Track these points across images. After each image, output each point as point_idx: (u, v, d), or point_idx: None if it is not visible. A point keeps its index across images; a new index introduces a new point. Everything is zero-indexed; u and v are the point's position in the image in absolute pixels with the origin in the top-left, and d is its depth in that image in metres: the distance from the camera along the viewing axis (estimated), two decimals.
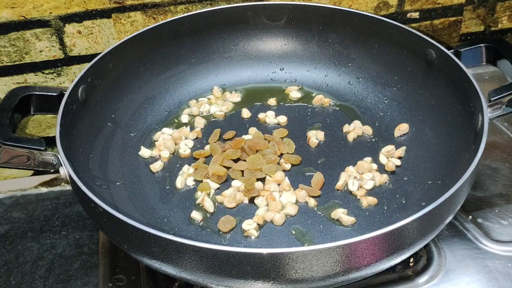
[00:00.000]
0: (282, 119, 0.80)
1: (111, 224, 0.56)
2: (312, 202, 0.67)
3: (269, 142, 0.74)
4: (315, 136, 0.76)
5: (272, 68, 0.87)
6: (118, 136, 0.76)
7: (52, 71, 0.83)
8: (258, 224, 0.65)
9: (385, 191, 0.69)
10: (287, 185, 0.69)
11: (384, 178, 0.70)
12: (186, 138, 0.77)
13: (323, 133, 0.77)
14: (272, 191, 0.68)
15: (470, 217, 0.70)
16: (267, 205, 0.67)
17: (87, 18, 0.80)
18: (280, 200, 0.67)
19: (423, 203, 0.66)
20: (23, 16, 0.77)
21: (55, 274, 0.70)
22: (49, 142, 0.64)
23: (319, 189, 0.69)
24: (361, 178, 0.70)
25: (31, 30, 0.79)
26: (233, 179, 0.71)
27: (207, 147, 0.75)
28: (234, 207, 0.68)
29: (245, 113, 0.81)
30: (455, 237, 0.68)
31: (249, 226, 0.64)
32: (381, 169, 0.72)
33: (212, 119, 0.81)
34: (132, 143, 0.76)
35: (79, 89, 0.70)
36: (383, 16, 0.87)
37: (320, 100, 0.82)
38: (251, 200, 0.68)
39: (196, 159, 0.74)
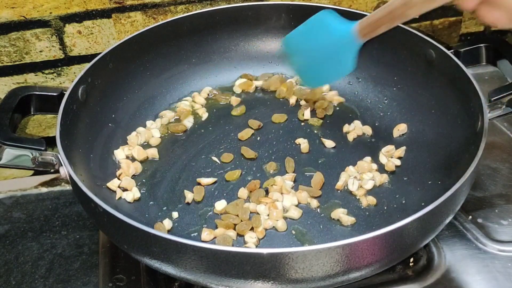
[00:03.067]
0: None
1: (111, 224, 0.56)
2: (314, 203, 0.67)
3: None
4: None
5: (272, 68, 0.87)
6: (118, 136, 0.76)
7: (52, 71, 0.83)
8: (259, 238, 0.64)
9: (385, 191, 0.69)
10: (284, 188, 0.68)
11: (384, 178, 0.70)
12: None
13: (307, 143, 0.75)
14: (275, 200, 0.67)
15: (470, 217, 0.70)
16: (268, 215, 0.66)
17: (87, 18, 0.80)
18: (282, 206, 0.67)
19: (423, 203, 0.66)
20: (23, 16, 0.77)
21: (55, 274, 0.70)
22: (49, 142, 0.64)
23: (319, 189, 0.69)
24: (361, 178, 0.70)
25: (31, 30, 0.79)
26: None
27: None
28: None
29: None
30: (455, 237, 0.68)
31: (251, 239, 0.63)
32: (381, 169, 0.72)
33: None
34: None
35: (79, 89, 0.70)
36: None
37: None
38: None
39: None
